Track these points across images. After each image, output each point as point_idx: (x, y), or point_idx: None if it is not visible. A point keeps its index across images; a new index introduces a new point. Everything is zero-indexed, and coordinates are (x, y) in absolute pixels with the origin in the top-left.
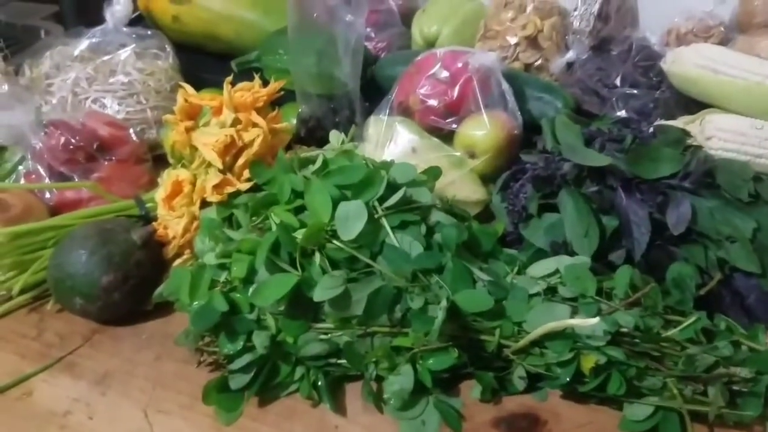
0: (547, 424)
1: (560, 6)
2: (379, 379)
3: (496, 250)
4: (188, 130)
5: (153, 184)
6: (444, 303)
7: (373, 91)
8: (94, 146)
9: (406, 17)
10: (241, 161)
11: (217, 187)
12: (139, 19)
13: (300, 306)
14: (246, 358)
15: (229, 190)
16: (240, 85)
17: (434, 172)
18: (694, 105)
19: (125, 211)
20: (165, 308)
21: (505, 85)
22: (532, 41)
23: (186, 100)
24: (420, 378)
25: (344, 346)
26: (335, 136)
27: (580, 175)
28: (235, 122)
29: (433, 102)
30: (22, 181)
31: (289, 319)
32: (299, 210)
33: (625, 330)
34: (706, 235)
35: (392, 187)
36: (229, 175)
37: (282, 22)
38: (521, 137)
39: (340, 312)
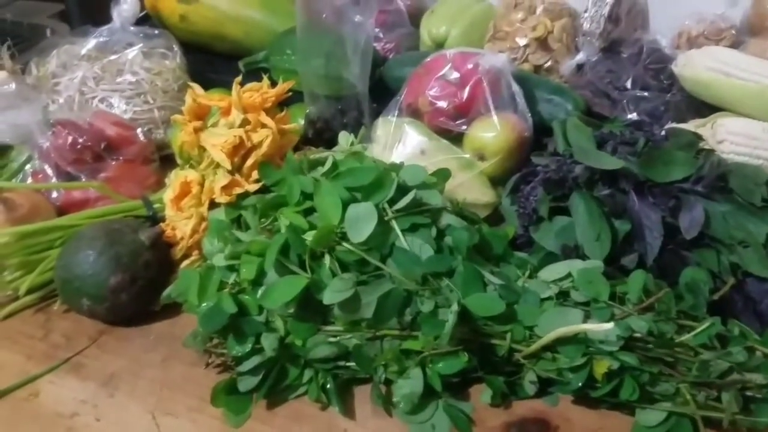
0: (558, 430)
1: (570, 7)
2: (389, 383)
3: (507, 253)
4: (197, 130)
5: (160, 185)
6: (455, 306)
7: (381, 92)
8: (102, 146)
9: (415, 18)
10: (249, 162)
11: (225, 188)
12: (146, 19)
13: (309, 308)
14: (254, 361)
15: (238, 191)
16: (248, 85)
17: (444, 174)
18: (705, 108)
19: (133, 212)
20: (173, 309)
21: (516, 87)
22: (542, 43)
23: (195, 101)
24: (430, 382)
25: (353, 349)
26: (344, 138)
27: (592, 178)
28: (244, 123)
29: (442, 103)
30: (29, 180)
31: (298, 321)
32: (309, 212)
33: (638, 335)
34: (718, 239)
35: (402, 189)
36: (237, 176)
37: (290, 23)
38: (531, 139)
39: (350, 315)
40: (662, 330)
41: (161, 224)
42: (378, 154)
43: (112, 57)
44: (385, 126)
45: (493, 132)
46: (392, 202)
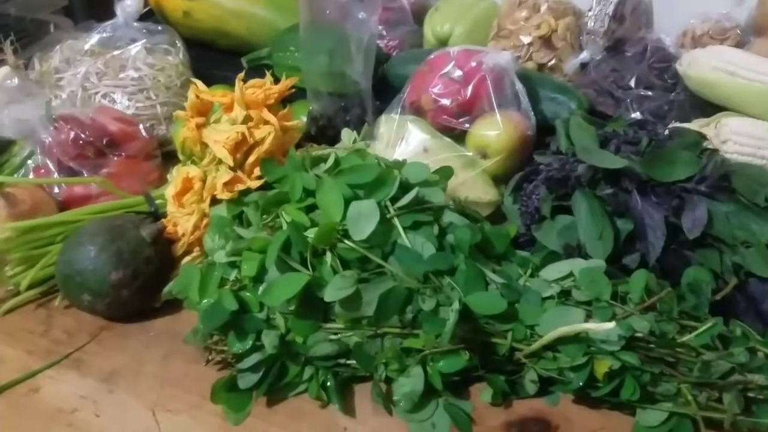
0: (558, 429)
1: (575, 6)
2: (389, 381)
3: (509, 252)
4: (199, 126)
5: (162, 181)
6: (456, 305)
7: (385, 89)
8: (104, 142)
9: (419, 15)
10: (251, 159)
11: (227, 185)
12: (150, 14)
13: (310, 306)
14: (255, 358)
15: (240, 187)
16: (251, 82)
17: (446, 173)
18: (709, 108)
19: (134, 208)
20: (174, 306)
21: (519, 86)
22: (546, 41)
23: (197, 97)
24: (430, 380)
25: (354, 347)
26: (347, 135)
27: (595, 177)
28: (247, 119)
29: (445, 101)
30: (31, 175)
31: (299, 318)
32: (310, 209)
33: (639, 335)
34: (721, 239)
35: (405, 187)
36: (239, 173)
37: (294, 19)
38: (534, 138)
39: (351, 312)
40: (664, 330)
41: (163, 220)
42: (381, 152)
43: (115, 53)
44: (388, 124)
45: (496, 130)
46: (394, 199)
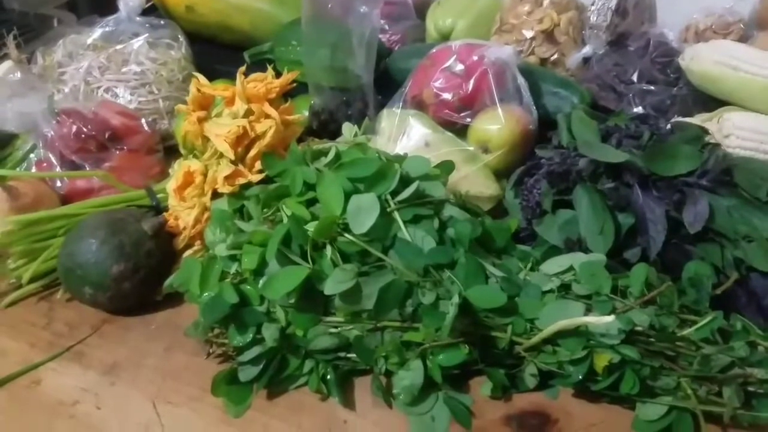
0: (558, 423)
1: (577, 0)
2: (389, 374)
3: (509, 246)
4: (200, 120)
5: (164, 175)
6: (456, 299)
7: (387, 83)
8: (106, 135)
9: (421, 9)
10: (253, 152)
11: (228, 178)
12: (153, 9)
13: (310, 299)
14: (255, 351)
15: (241, 181)
16: (253, 76)
17: (447, 167)
18: (711, 102)
19: (136, 201)
20: (175, 299)
21: (521, 80)
22: (549, 35)
23: (199, 90)
24: (430, 374)
25: (354, 340)
26: (348, 129)
27: (596, 172)
28: (248, 113)
29: (447, 95)
30: (34, 169)
31: (299, 312)
32: (311, 202)
33: (639, 329)
34: (723, 234)
35: (405, 181)
36: (240, 167)
37: (296, 14)
38: (536, 132)
39: (351, 306)
40: (664, 324)
41: (164, 214)
42: (382, 146)
43: (118, 47)
44: (389, 118)
45: (498, 125)
46: (395, 193)
